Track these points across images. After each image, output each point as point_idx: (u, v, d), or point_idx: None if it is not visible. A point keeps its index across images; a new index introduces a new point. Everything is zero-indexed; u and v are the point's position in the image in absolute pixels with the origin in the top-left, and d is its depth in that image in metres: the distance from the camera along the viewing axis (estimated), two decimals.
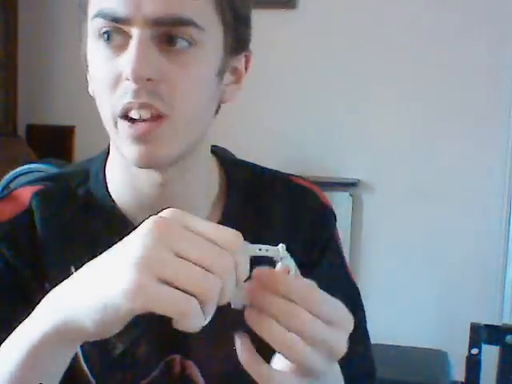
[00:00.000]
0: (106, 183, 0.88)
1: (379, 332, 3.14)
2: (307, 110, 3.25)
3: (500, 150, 3.08)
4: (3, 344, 0.68)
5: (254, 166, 0.99)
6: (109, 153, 0.90)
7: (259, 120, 3.27)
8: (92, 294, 0.59)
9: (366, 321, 0.95)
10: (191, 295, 0.56)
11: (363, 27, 3.17)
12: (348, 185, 3.17)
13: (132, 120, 0.76)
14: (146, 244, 0.57)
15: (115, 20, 0.75)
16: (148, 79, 0.74)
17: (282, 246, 0.64)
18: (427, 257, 3.13)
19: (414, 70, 3.13)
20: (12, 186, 1.61)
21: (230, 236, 0.59)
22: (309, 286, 0.62)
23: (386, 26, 3.15)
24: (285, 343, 0.61)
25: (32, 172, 1.55)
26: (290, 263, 0.64)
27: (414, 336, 2.98)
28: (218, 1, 0.79)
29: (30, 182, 0.90)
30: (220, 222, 0.87)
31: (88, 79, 0.86)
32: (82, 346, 0.83)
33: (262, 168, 0.98)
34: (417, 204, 3.14)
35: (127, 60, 0.74)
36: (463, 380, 1.88)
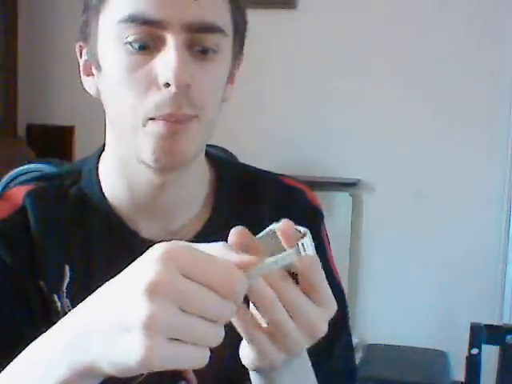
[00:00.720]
0: (99, 182, 0.88)
1: (379, 332, 3.14)
2: (307, 110, 3.25)
3: (500, 150, 3.08)
4: (12, 371, 0.64)
5: (244, 165, 1.00)
6: (102, 152, 0.90)
7: (259, 120, 3.27)
8: (112, 352, 0.56)
9: (348, 320, 0.95)
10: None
11: (363, 27, 3.17)
12: (348, 185, 3.17)
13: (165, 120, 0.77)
14: (150, 303, 0.54)
15: (149, 23, 0.75)
16: (186, 85, 0.76)
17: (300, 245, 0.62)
18: (427, 257, 3.14)
19: (414, 71, 3.13)
20: (12, 185, 1.61)
21: (230, 281, 0.56)
22: (313, 261, 0.63)
23: (386, 26, 3.16)
24: (270, 308, 0.61)
25: (32, 172, 1.55)
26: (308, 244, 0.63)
27: (413, 336, 2.98)
28: (232, 7, 0.81)
29: (23, 182, 0.91)
30: (209, 221, 0.89)
31: (84, 77, 0.86)
32: None
33: (252, 168, 0.99)
34: (417, 204, 3.14)
35: (166, 66, 0.75)
36: (463, 380, 1.88)
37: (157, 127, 0.77)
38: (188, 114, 0.77)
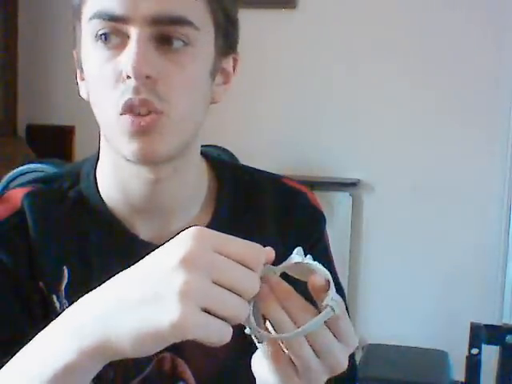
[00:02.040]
0: (96, 184, 0.89)
1: (379, 332, 3.14)
2: (307, 109, 3.25)
3: (500, 150, 3.08)
4: (18, 358, 0.66)
5: (245, 167, 1.00)
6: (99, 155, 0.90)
7: (259, 120, 3.27)
8: (137, 322, 0.59)
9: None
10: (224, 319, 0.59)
11: (363, 27, 3.17)
12: (348, 185, 3.17)
13: (133, 115, 0.77)
14: (185, 273, 0.57)
15: (113, 19, 0.77)
16: (147, 76, 0.76)
17: (298, 251, 0.65)
18: (427, 257, 3.14)
19: (414, 71, 3.13)
20: (12, 186, 1.61)
21: (256, 254, 0.61)
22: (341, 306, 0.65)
23: (386, 26, 3.15)
24: (295, 345, 0.63)
25: (32, 172, 1.55)
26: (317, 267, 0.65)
27: (414, 336, 2.98)
28: (210, 2, 0.81)
29: (21, 184, 0.91)
30: (210, 224, 0.88)
31: (79, 82, 0.87)
32: None
33: (253, 169, 0.98)
34: (417, 204, 3.14)
35: (127, 58, 0.76)
36: (463, 380, 1.88)
37: (125, 125, 0.77)
38: (149, 101, 0.76)
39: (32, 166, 1.59)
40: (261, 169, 0.99)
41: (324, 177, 3.16)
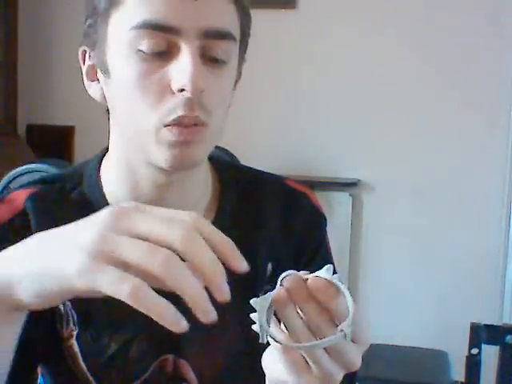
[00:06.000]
0: (100, 185, 0.88)
1: (379, 332, 3.14)
2: (307, 109, 3.25)
3: (500, 150, 3.08)
4: None
5: (248, 168, 1.00)
6: (104, 155, 0.90)
7: (258, 120, 3.27)
8: (39, 264, 0.58)
9: None
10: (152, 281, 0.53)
11: (363, 27, 3.17)
12: (348, 185, 3.17)
13: (181, 127, 0.78)
14: (99, 227, 0.55)
15: (164, 30, 0.75)
16: (201, 91, 0.76)
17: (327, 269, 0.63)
18: (427, 257, 3.14)
19: (414, 71, 3.13)
20: (12, 186, 1.62)
21: (188, 214, 0.56)
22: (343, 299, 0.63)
23: (386, 26, 3.16)
24: (310, 350, 0.61)
25: (32, 172, 1.55)
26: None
27: (414, 336, 2.98)
28: (240, 14, 0.82)
29: (24, 186, 0.91)
30: (213, 224, 0.88)
31: (87, 82, 0.86)
32: (79, 345, 0.84)
33: (256, 170, 0.99)
34: (417, 204, 3.14)
35: (183, 72, 0.75)
36: (463, 380, 1.88)
37: (170, 135, 0.77)
38: (200, 117, 0.78)
39: (32, 165, 1.60)
40: (262, 169, 1.00)
41: (324, 177, 3.17)
